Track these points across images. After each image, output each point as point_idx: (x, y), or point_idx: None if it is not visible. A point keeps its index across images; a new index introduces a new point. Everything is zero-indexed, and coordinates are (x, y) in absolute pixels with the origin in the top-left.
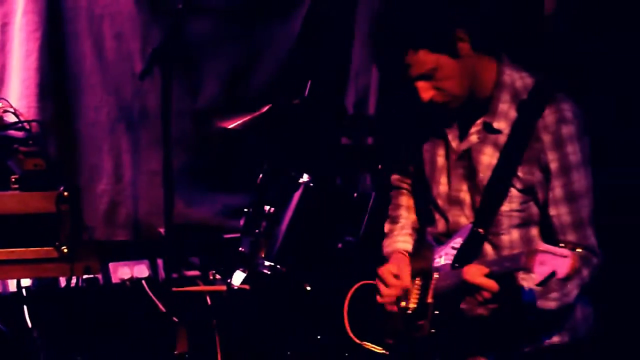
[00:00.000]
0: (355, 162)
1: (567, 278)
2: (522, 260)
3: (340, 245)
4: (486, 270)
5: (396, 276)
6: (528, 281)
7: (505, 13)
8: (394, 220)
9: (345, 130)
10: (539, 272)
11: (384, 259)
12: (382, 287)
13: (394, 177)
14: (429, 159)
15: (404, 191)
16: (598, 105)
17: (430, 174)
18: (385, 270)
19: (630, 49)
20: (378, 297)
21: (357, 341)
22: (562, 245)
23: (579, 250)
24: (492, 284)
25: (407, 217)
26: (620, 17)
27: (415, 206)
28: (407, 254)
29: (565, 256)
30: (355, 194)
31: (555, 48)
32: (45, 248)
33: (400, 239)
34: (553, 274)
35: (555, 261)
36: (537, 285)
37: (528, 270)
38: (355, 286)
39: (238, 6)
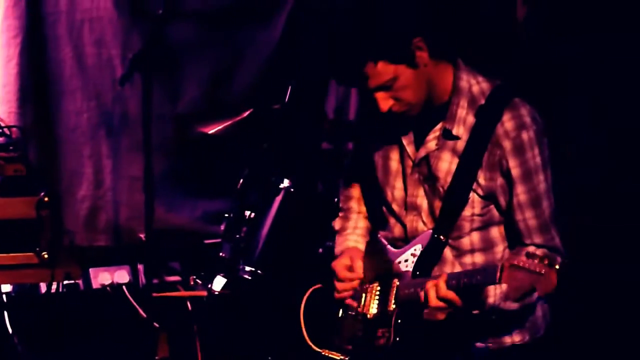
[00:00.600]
0: (336, 167)
1: (546, 296)
2: (497, 275)
3: (320, 250)
4: (451, 282)
5: (350, 269)
6: (494, 295)
7: (466, 18)
8: (346, 216)
9: (326, 135)
10: (516, 288)
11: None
12: (335, 282)
13: (347, 176)
14: (382, 164)
15: (355, 183)
16: (570, 108)
17: (384, 179)
18: (338, 264)
19: (602, 52)
20: (335, 294)
21: (316, 349)
22: (538, 259)
23: (558, 266)
24: (455, 299)
25: (358, 210)
26: (591, 21)
27: (367, 210)
28: (360, 251)
29: (542, 273)
30: (336, 199)
31: (526, 52)
32: (25, 254)
33: (352, 239)
34: (532, 290)
35: (532, 278)
36: (515, 301)
37: (498, 283)
38: (308, 292)
39: (219, 11)
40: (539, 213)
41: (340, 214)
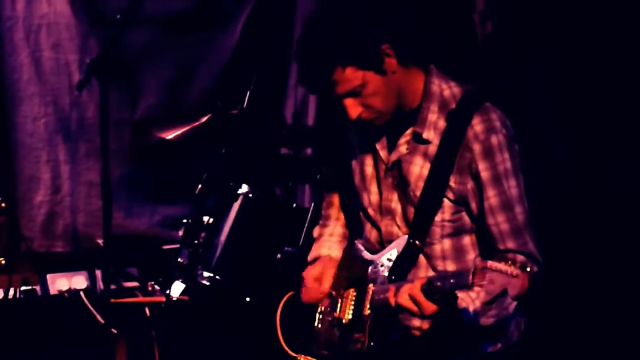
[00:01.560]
0: (294, 173)
1: (517, 298)
2: (470, 278)
3: (279, 255)
4: (422, 288)
5: (318, 279)
6: (468, 300)
7: (434, 25)
8: (324, 223)
9: (284, 140)
10: (488, 291)
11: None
12: (302, 290)
13: (328, 183)
14: (359, 170)
15: (337, 192)
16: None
17: (360, 183)
18: (307, 274)
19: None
20: (302, 300)
21: (292, 354)
22: (510, 262)
23: (528, 269)
24: (428, 304)
25: (337, 217)
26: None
27: (345, 217)
28: (332, 260)
29: (515, 275)
30: (294, 205)
31: (486, 61)
32: None
33: (326, 245)
34: (504, 292)
35: (504, 280)
36: (486, 304)
37: (472, 287)
38: (285, 297)
39: (177, 16)
40: (511, 217)
41: (320, 222)
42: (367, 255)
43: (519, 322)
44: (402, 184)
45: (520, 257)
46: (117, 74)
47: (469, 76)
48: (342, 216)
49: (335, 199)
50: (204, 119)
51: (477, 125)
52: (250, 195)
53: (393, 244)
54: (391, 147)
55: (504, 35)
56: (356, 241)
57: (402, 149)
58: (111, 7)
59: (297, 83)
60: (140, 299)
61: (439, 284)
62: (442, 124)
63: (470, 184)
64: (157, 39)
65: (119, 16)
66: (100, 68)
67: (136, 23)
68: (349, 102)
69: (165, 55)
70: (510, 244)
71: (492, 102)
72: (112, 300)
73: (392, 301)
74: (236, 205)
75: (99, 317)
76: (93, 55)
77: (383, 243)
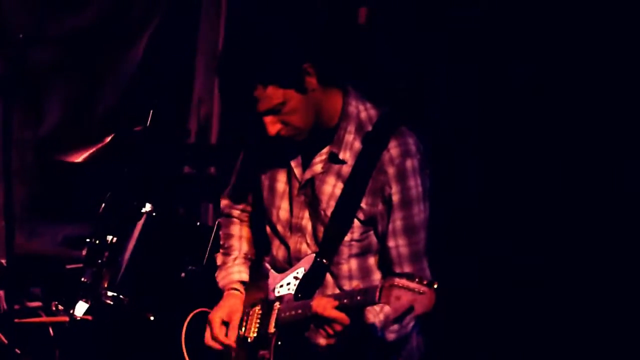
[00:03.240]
0: (198, 192)
1: (423, 315)
2: (377, 295)
3: (183, 274)
4: (336, 302)
5: (225, 323)
6: (374, 314)
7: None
8: (227, 252)
9: (188, 159)
10: (395, 308)
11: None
12: (207, 333)
13: (224, 202)
14: (268, 185)
15: (235, 220)
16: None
17: (269, 200)
18: (215, 317)
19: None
20: (205, 339)
21: None
22: (417, 279)
23: (436, 285)
24: (343, 317)
25: (239, 247)
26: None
27: (251, 233)
28: (242, 287)
29: (422, 292)
30: (198, 223)
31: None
32: None
33: (235, 270)
34: (410, 309)
35: (411, 297)
36: (393, 322)
37: (379, 304)
38: (191, 315)
39: (79, 34)
40: (412, 242)
41: (222, 250)
42: (273, 273)
43: (420, 342)
44: (314, 202)
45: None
46: (21, 93)
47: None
48: (244, 246)
49: (234, 230)
50: (108, 139)
51: (393, 148)
52: (154, 213)
53: (300, 262)
54: (306, 164)
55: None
56: (264, 260)
57: (317, 167)
58: (14, 26)
59: (220, 98)
60: (44, 318)
61: (346, 301)
62: (357, 145)
63: (380, 206)
64: (60, 57)
65: (21, 35)
66: (2, 87)
67: (39, 42)
68: (268, 119)
69: (69, 73)
70: (407, 268)
71: (406, 125)
72: (16, 320)
73: (302, 318)
74: (139, 224)
75: (2, 337)
76: None
77: (291, 261)
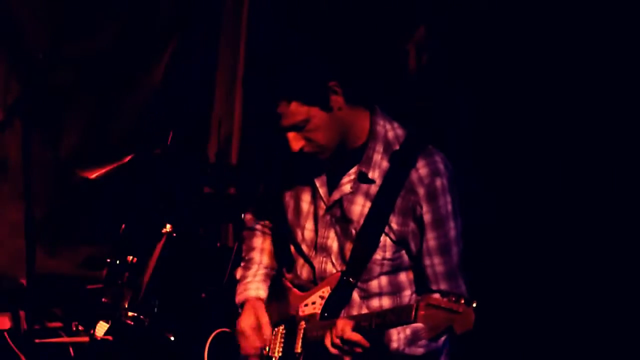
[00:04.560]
0: (218, 212)
1: (464, 334)
2: (412, 314)
3: (203, 294)
4: (360, 325)
5: (258, 328)
6: (399, 330)
7: (379, 65)
8: (247, 266)
9: (208, 179)
10: (432, 328)
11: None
12: (242, 341)
13: (248, 217)
14: (293, 205)
15: (258, 232)
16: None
17: (294, 220)
18: (246, 325)
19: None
20: (241, 351)
21: None
22: (454, 298)
23: (475, 304)
24: (363, 341)
25: (259, 261)
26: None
27: (274, 251)
28: (261, 301)
29: (460, 312)
30: (218, 244)
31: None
32: None
33: (253, 287)
34: (449, 329)
35: (447, 316)
36: (430, 341)
37: (413, 322)
38: (213, 334)
39: (98, 55)
40: (447, 260)
41: (242, 264)
42: (296, 292)
43: (447, 355)
44: (342, 222)
45: (463, 293)
46: (40, 114)
47: (402, 108)
48: (265, 259)
49: (257, 243)
50: (127, 158)
51: (421, 168)
52: (174, 234)
53: (325, 281)
54: (332, 184)
55: (437, 67)
56: (284, 279)
57: (346, 187)
58: (34, 46)
59: (243, 113)
60: (65, 339)
61: (378, 321)
62: (385, 164)
63: (411, 226)
64: (79, 77)
65: (41, 55)
66: (22, 108)
67: (59, 62)
68: (291, 135)
69: (89, 94)
70: (443, 286)
71: (433, 144)
72: (37, 340)
73: (328, 339)
74: (160, 245)
75: (23, 358)
76: (15, 95)
77: (316, 280)
